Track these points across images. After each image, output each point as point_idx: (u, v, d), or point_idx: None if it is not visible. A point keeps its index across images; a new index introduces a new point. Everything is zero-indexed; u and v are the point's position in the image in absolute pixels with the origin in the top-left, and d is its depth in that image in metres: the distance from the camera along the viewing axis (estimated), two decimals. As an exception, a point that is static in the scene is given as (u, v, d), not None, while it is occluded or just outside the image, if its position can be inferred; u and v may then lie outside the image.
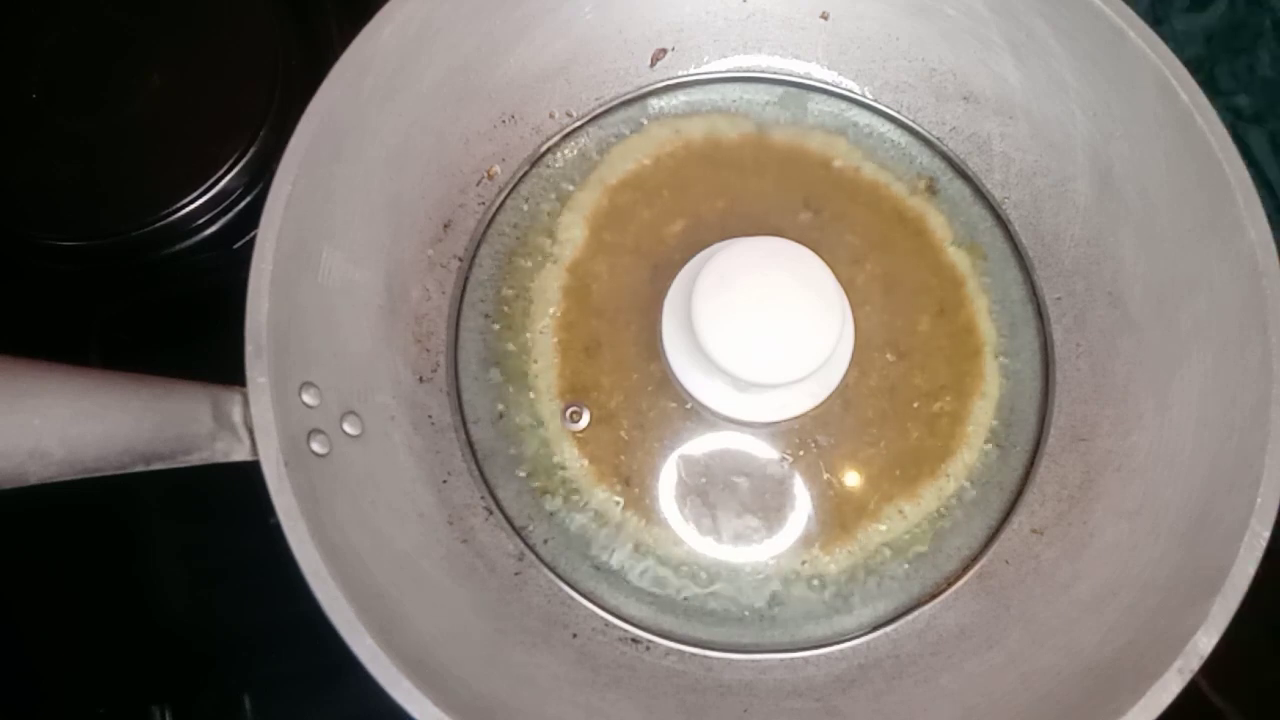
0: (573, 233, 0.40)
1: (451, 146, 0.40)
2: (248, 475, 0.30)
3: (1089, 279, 0.40)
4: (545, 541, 0.37)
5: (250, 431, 0.30)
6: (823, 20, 0.42)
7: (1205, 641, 0.30)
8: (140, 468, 0.30)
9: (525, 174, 0.41)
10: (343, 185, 0.35)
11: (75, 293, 0.46)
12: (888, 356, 0.39)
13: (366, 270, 0.37)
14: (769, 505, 0.37)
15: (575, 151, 0.42)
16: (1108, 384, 0.39)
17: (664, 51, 0.42)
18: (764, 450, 0.38)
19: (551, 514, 0.37)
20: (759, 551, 0.37)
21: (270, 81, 0.45)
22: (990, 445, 0.39)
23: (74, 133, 0.45)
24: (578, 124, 0.42)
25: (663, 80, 0.43)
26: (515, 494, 0.37)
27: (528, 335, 0.39)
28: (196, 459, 0.30)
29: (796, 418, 0.37)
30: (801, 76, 0.43)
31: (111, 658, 0.43)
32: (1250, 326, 0.34)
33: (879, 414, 0.38)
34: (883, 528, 0.38)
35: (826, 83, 0.43)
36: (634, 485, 0.37)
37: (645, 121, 0.42)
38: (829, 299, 0.35)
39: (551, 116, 0.42)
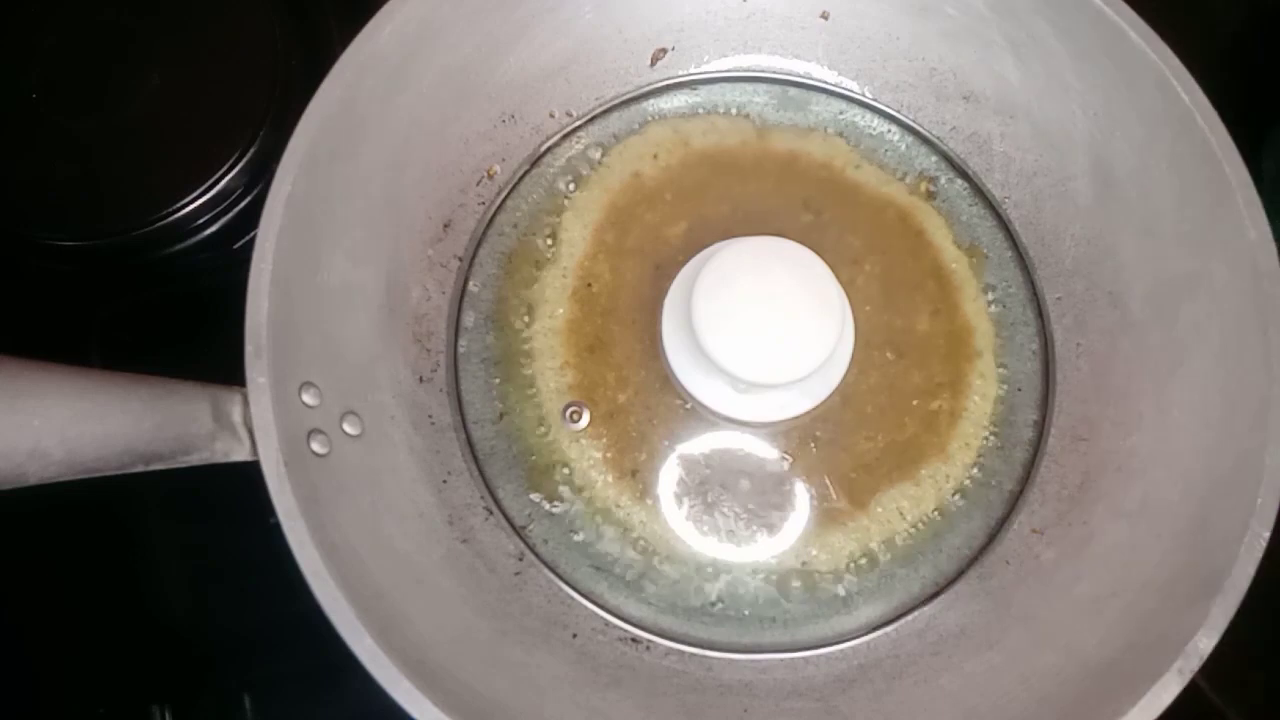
0: (573, 232, 0.40)
1: (451, 146, 0.40)
2: (248, 475, 0.30)
3: (1089, 279, 0.40)
4: (545, 541, 0.37)
5: (250, 431, 0.30)
6: (823, 20, 0.42)
7: (1205, 642, 0.30)
8: (140, 468, 0.30)
9: (525, 174, 0.41)
10: (343, 185, 0.35)
11: (75, 293, 0.46)
12: (887, 356, 0.39)
13: (366, 270, 0.37)
14: (769, 504, 0.37)
15: (575, 151, 0.41)
16: (1108, 384, 0.39)
17: (664, 51, 0.42)
18: (764, 449, 0.38)
19: (551, 514, 0.37)
20: (759, 550, 0.37)
21: (270, 81, 0.45)
22: (990, 445, 0.39)
23: (74, 133, 0.45)
24: (578, 124, 0.42)
25: (663, 80, 0.43)
26: (515, 494, 0.37)
27: (528, 335, 0.39)
28: (196, 459, 0.30)
29: (796, 417, 0.37)
30: (801, 76, 0.43)
31: (111, 658, 0.43)
32: (1250, 326, 0.34)
33: (879, 413, 0.38)
34: (882, 527, 0.38)
35: (826, 83, 0.43)
36: (634, 485, 0.37)
37: (645, 121, 0.42)
38: (829, 299, 0.35)
39: (551, 116, 0.42)
